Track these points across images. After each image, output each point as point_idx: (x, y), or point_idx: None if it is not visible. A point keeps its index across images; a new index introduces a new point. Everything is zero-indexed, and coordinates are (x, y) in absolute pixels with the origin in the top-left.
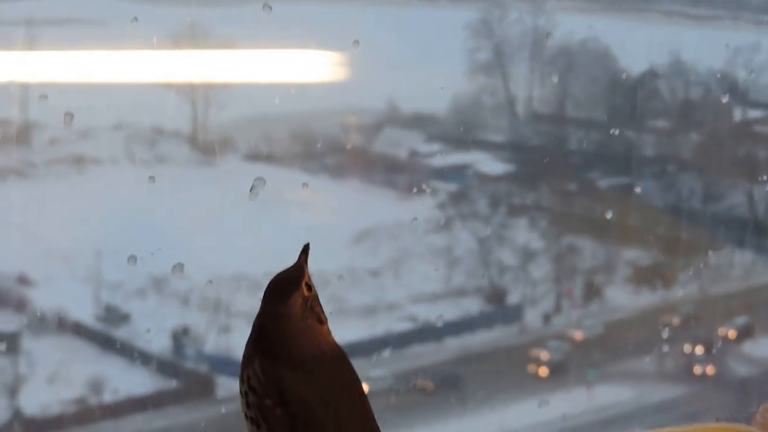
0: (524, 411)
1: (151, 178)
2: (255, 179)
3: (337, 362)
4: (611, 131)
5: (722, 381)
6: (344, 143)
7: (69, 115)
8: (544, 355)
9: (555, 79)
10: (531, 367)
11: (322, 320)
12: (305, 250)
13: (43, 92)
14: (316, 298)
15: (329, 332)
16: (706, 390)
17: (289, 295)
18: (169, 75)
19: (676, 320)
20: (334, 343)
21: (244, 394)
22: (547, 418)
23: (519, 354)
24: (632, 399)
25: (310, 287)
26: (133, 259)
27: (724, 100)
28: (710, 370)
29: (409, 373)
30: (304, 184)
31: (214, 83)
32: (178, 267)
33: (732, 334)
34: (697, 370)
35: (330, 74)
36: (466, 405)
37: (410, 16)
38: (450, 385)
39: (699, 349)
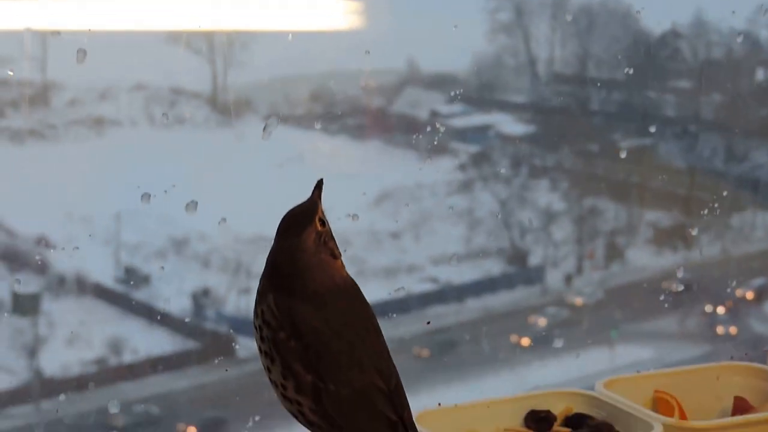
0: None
1: (171, 140)
2: (268, 119)
3: (351, 296)
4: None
5: (741, 339)
6: (364, 104)
7: (82, 52)
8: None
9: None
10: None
11: (335, 255)
12: (319, 185)
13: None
14: (329, 233)
15: (343, 266)
16: (726, 348)
17: (302, 229)
18: (188, 31)
19: (696, 280)
20: (348, 277)
21: (258, 328)
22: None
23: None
24: (653, 358)
25: (323, 222)
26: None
27: (747, 60)
28: (730, 329)
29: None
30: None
31: (234, 42)
32: (197, 234)
33: (750, 295)
34: (718, 329)
35: (350, 34)
36: (493, 361)
37: None
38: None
39: (720, 309)
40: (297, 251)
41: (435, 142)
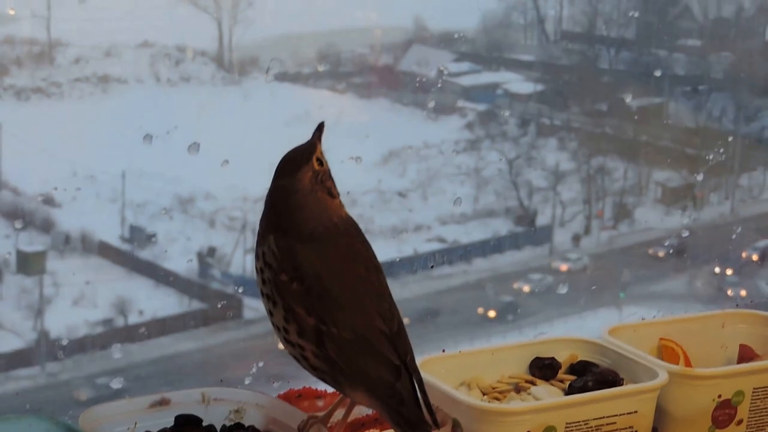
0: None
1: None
2: (271, 60)
3: (352, 236)
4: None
5: (749, 300)
6: (372, 62)
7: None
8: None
9: None
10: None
11: (333, 194)
12: (320, 128)
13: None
14: (328, 173)
15: (342, 206)
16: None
17: (298, 168)
18: None
19: (704, 241)
20: (348, 217)
21: (259, 271)
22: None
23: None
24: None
25: (321, 162)
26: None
27: (757, 19)
28: (741, 293)
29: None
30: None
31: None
32: (203, 193)
33: (755, 257)
34: (726, 290)
35: None
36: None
37: None
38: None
39: (728, 270)
40: (292, 190)
41: (442, 101)
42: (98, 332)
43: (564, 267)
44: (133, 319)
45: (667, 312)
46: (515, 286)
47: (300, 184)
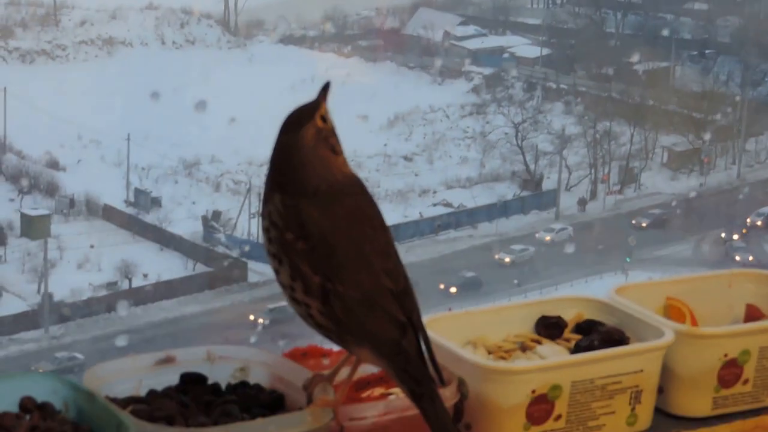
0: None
1: (182, 61)
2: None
3: (357, 193)
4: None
5: (756, 265)
6: (378, 25)
7: None
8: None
9: None
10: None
11: (336, 151)
12: (325, 87)
13: None
14: (332, 130)
15: (345, 163)
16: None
17: (300, 125)
18: None
19: (709, 205)
20: (352, 174)
21: (265, 230)
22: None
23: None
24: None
25: (325, 119)
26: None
27: None
28: (749, 258)
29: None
30: None
31: None
32: (208, 157)
33: (760, 222)
34: (731, 254)
35: None
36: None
37: None
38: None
39: (734, 235)
40: (294, 145)
41: (448, 65)
42: (102, 295)
43: (547, 238)
44: (138, 282)
45: (666, 274)
46: (497, 256)
47: (303, 140)
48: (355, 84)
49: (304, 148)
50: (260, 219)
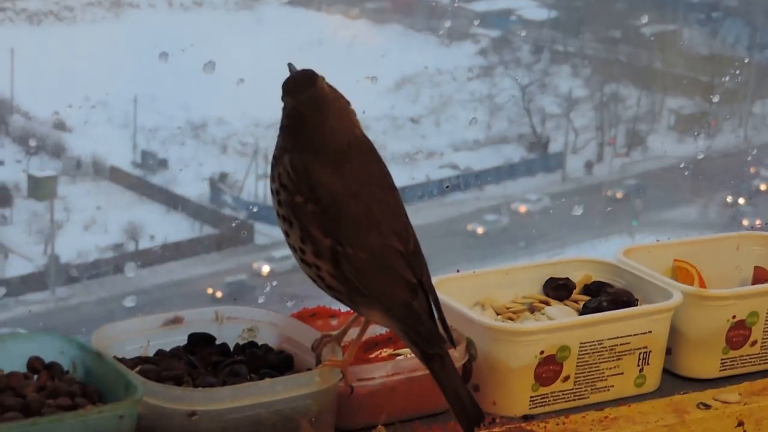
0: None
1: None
2: None
3: (366, 152)
4: None
5: (764, 229)
6: None
7: None
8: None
9: None
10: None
11: (350, 103)
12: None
13: None
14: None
15: (357, 124)
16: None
17: (313, 81)
18: None
19: (716, 168)
20: (362, 134)
21: (275, 193)
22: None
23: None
24: None
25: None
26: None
27: None
28: (756, 222)
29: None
30: None
31: None
32: (215, 119)
33: (763, 186)
34: (738, 219)
35: None
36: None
37: None
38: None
39: (740, 199)
40: (317, 98)
41: (455, 27)
42: (109, 257)
43: (522, 208)
44: (144, 244)
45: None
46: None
47: (322, 91)
48: (362, 46)
49: (325, 99)
50: (269, 181)
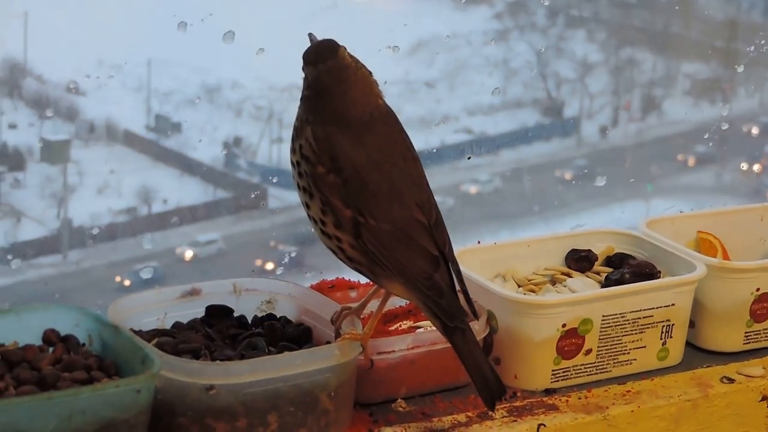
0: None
1: None
2: None
3: (389, 124)
4: None
5: None
6: None
7: None
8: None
9: None
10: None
11: (372, 73)
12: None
13: None
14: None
15: (380, 94)
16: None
17: (335, 50)
18: None
19: (733, 134)
20: (385, 105)
21: (295, 164)
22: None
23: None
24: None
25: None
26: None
27: None
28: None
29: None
30: None
31: None
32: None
33: None
34: (760, 190)
35: None
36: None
37: None
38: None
39: (755, 165)
40: (340, 68)
41: None
42: (122, 221)
43: (473, 189)
44: (157, 207)
45: (694, 205)
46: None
47: (345, 61)
48: (378, 10)
49: (349, 68)
50: (289, 153)
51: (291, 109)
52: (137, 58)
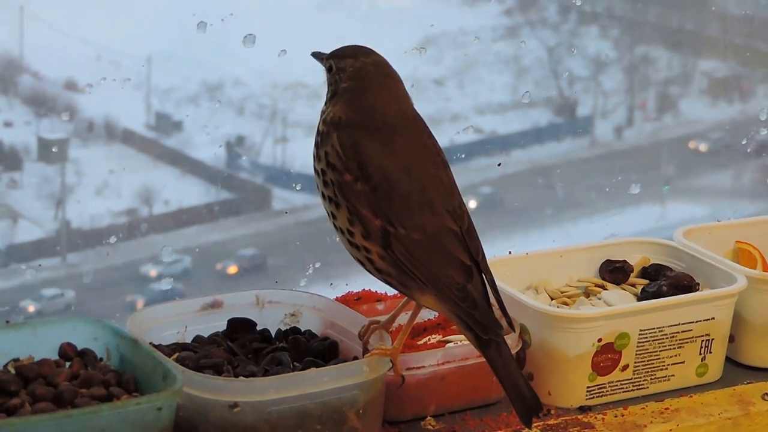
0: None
1: None
2: None
3: (419, 129)
4: None
5: None
6: None
7: None
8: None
9: None
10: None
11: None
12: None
13: None
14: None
15: (409, 99)
16: None
17: (370, 50)
18: None
19: (752, 135)
20: (414, 110)
21: (320, 173)
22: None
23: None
24: (706, 216)
25: None
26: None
27: None
28: None
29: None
30: None
31: None
32: (232, 79)
33: None
34: None
35: None
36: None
37: None
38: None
39: None
40: (385, 63)
41: None
42: (122, 222)
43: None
44: (158, 209)
45: (711, 208)
46: None
47: (382, 58)
48: (385, 6)
49: (390, 66)
50: (313, 161)
51: (295, 108)
52: (136, 55)
